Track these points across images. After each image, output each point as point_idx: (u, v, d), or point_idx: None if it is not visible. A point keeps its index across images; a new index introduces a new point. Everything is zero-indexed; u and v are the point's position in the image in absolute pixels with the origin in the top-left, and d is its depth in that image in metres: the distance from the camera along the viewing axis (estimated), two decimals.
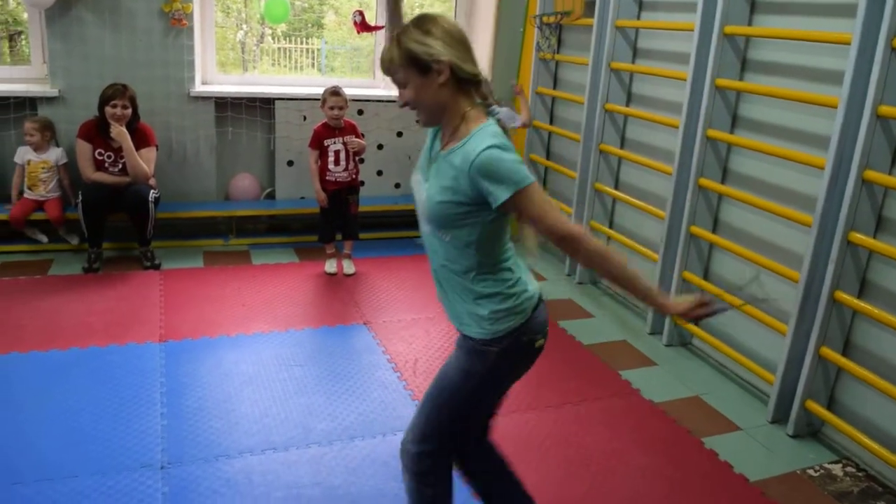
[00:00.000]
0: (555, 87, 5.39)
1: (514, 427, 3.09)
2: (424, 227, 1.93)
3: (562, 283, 4.88)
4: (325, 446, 2.87)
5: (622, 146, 4.61)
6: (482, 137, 1.76)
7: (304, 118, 5.27)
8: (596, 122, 4.60)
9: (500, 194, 1.71)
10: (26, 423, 2.91)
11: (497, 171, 1.72)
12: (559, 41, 5.25)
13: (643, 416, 3.26)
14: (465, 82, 1.82)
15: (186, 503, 2.50)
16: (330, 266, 4.77)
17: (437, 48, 1.77)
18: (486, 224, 1.81)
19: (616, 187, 4.67)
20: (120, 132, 4.41)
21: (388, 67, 1.83)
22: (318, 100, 4.64)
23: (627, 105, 4.55)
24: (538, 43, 5.31)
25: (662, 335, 4.04)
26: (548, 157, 5.52)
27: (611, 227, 4.74)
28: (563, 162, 5.26)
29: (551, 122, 5.46)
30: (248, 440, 2.89)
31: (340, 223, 4.78)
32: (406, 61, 1.78)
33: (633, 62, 4.48)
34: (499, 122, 1.84)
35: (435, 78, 1.78)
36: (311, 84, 5.66)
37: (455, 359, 1.99)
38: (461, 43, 1.83)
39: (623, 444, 3.03)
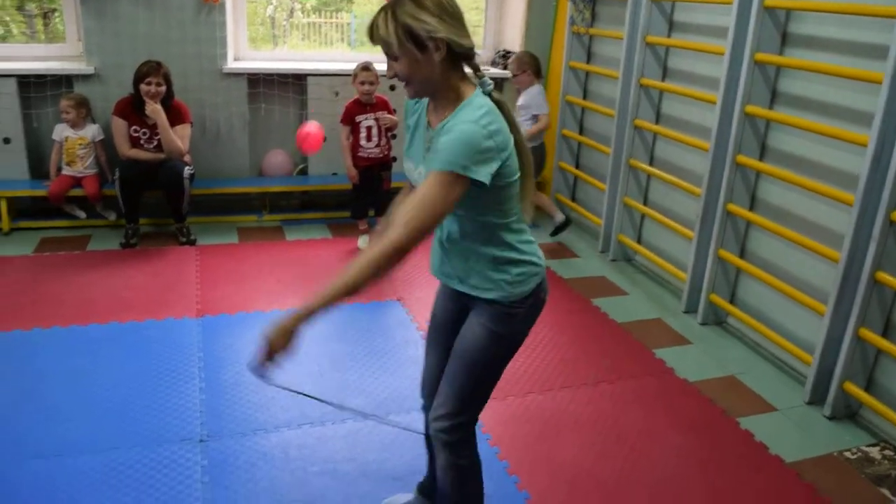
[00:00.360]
0: (588, 62, 5.32)
1: (548, 404, 3.09)
2: None
3: (595, 260, 4.86)
4: (359, 421, 2.90)
5: (657, 122, 4.55)
6: (470, 111, 1.74)
7: (336, 94, 5.26)
8: (631, 98, 4.54)
9: (436, 161, 1.67)
10: (69, 396, 2.98)
11: (457, 143, 1.66)
12: (593, 15, 5.17)
13: (678, 395, 3.25)
14: (459, 56, 1.79)
15: (225, 476, 2.55)
16: (363, 242, 4.79)
17: (434, 24, 1.71)
18: (492, 189, 1.75)
19: (651, 163, 4.61)
20: (155, 109, 4.45)
21: (379, 40, 1.76)
22: (350, 75, 4.63)
23: (663, 80, 4.48)
24: (572, 16, 5.23)
25: (697, 313, 4.01)
26: (581, 132, 5.47)
27: (645, 203, 4.69)
28: (597, 137, 5.20)
29: (584, 98, 5.39)
30: (284, 415, 2.93)
31: (373, 199, 4.79)
32: (401, 37, 1.71)
33: (668, 36, 4.41)
34: (490, 94, 1.81)
35: (431, 54, 1.73)
36: (341, 59, 5.65)
37: (478, 326, 1.96)
38: (455, 16, 1.77)
39: (657, 423, 3.02)
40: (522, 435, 2.89)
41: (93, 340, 3.43)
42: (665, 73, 4.48)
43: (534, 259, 1.92)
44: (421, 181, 1.80)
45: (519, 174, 1.84)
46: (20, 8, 5.46)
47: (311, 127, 4.73)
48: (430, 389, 2.18)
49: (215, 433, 2.79)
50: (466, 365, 1.99)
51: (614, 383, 3.31)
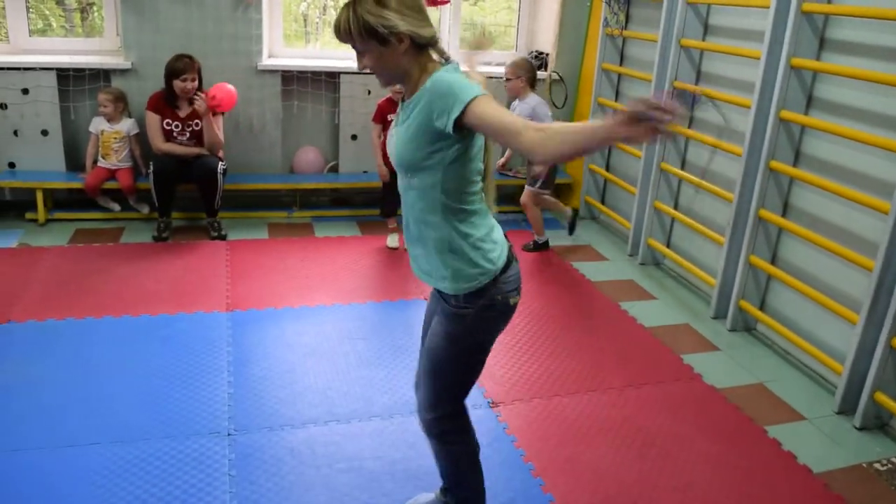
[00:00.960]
0: (621, 64, 5.29)
1: (574, 408, 3.09)
2: (399, 180, 1.98)
3: (623, 264, 4.83)
4: (386, 420, 2.92)
5: (690, 125, 4.51)
6: (438, 74, 1.81)
7: (369, 92, 5.28)
8: (664, 101, 4.49)
9: (453, 112, 1.72)
10: (101, 387, 3.03)
11: (446, 90, 1.74)
12: (627, 17, 5.14)
13: (705, 402, 3.22)
14: (424, 46, 1.85)
15: (252, 470, 2.58)
16: (392, 240, 4.81)
17: (394, 20, 1.77)
18: (450, 163, 1.82)
19: (682, 168, 4.58)
20: (202, 106, 4.53)
21: (343, 37, 1.83)
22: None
23: (696, 83, 4.44)
24: (606, 18, 5.20)
25: (726, 320, 3.97)
26: None
27: (676, 208, 4.66)
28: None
29: (617, 100, 5.37)
30: (311, 411, 2.96)
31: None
32: (363, 33, 1.79)
33: (703, 39, 4.37)
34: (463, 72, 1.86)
35: (395, 47, 1.81)
36: None
37: (437, 325, 2.05)
38: (415, 7, 1.83)
39: (684, 429, 3.00)
40: (548, 437, 2.89)
41: (124, 332, 3.49)
42: (699, 77, 4.44)
43: (485, 257, 1.92)
44: (395, 145, 1.90)
45: (483, 150, 1.91)
46: (60, 2, 5.56)
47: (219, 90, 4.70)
48: (417, 385, 2.26)
49: (243, 427, 2.82)
50: (431, 363, 2.08)
51: (641, 388, 3.30)
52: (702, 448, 2.88)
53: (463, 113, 1.71)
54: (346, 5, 1.81)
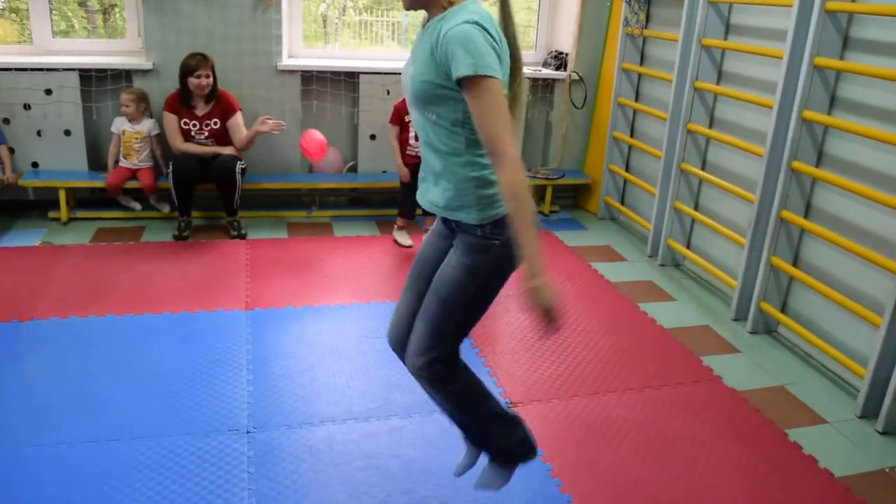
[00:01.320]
0: (641, 64, 5.27)
1: (593, 408, 3.07)
2: (413, 113, 1.97)
3: (643, 265, 4.80)
4: (404, 419, 2.93)
5: (711, 126, 4.48)
6: (461, 13, 1.78)
7: (388, 92, 5.29)
8: (684, 101, 4.48)
9: (460, 68, 1.71)
10: (122, 383, 3.05)
11: (465, 44, 1.72)
12: (648, 16, 5.12)
13: (725, 404, 3.20)
14: None
15: (270, 467, 2.59)
16: (403, 238, 4.81)
17: None
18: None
19: (703, 168, 4.55)
20: (265, 126, 4.67)
21: None
22: (401, 73, 4.65)
23: (718, 83, 4.41)
24: (626, 18, 5.18)
25: (747, 321, 3.94)
26: (632, 135, 5.42)
27: (696, 209, 4.63)
28: (648, 141, 5.15)
29: (637, 100, 5.34)
30: (330, 409, 2.96)
31: None
32: None
33: (725, 38, 4.34)
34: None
35: None
36: (391, 58, 5.69)
37: (454, 259, 2.00)
38: None
39: (704, 431, 2.98)
40: (566, 438, 2.88)
41: (145, 329, 3.52)
42: (720, 76, 4.41)
43: None
44: (409, 77, 1.88)
45: (509, 89, 1.89)
46: (82, 4, 5.61)
47: (311, 141, 4.73)
48: (397, 333, 2.19)
49: (262, 425, 2.83)
50: (440, 299, 2.01)
51: (660, 389, 3.28)
52: (721, 450, 2.86)
53: (465, 79, 1.70)
54: None
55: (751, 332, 3.90)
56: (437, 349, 2.05)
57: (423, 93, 1.85)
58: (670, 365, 3.50)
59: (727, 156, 4.34)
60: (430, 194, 2.03)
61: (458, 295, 1.99)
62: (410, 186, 4.73)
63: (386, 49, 6.32)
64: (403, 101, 4.61)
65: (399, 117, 4.62)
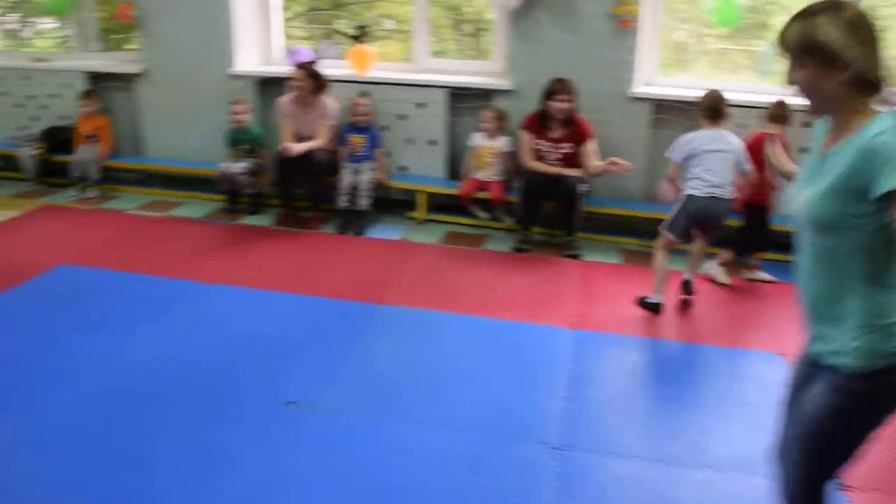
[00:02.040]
0: None
1: None
2: (803, 239, 1.79)
3: None
4: (717, 472, 2.78)
5: None
6: (878, 124, 1.59)
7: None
8: None
9: (884, 182, 1.52)
10: (452, 375, 3.34)
11: (891, 156, 1.52)
12: None
13: None
14: (866, 85, 1.64)
15: (575, 488, 2.65)
16: (721, 275, 4.57)
17: (842, 43, 1.61)
18: (878, 225, 1.60)
19: None
20: (599, 167, 4.78)
21: (785, 44, 1.71)
22: (756, 107, 4.43)
23: None
24: None
25: None
26: None
27: None
28: None
29: None
30: (640, 443, 2.93)
31: (762, 238, 4.58)
32: (807, 47, 1.65)
33: None
34: None
35: (835, 75, 1.63)
36: (747, 90, 5.32)
37: (820, 396, 1.79)
38: (869, 40, 1.63)
39: None
40: None
41: (479, 331, 3.80)
42: None
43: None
44: (806, 199, 1.72)
45: None
46: (457, 28, 6.21)
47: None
48: (777, 456, 2.02)
49: (571, 444, 2.89)
50: (804, 439, 1.85)
51: None
52: None
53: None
54: (799, 14, 1.70)
55: None
56: (805, 498, 1.94)
57: (826, 215, 1.68)
58: None
59: None
60: (815, 327, 1.85)
61: (820, 438, 1.84)
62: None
63: (741, 79, 6.03)
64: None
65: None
